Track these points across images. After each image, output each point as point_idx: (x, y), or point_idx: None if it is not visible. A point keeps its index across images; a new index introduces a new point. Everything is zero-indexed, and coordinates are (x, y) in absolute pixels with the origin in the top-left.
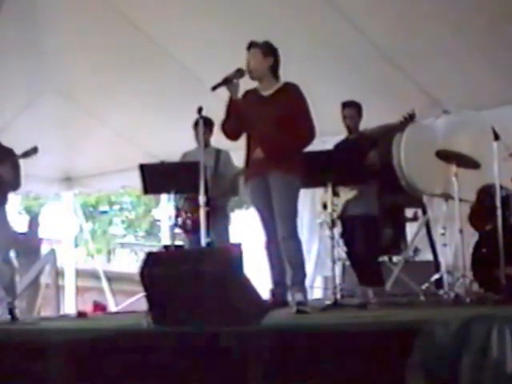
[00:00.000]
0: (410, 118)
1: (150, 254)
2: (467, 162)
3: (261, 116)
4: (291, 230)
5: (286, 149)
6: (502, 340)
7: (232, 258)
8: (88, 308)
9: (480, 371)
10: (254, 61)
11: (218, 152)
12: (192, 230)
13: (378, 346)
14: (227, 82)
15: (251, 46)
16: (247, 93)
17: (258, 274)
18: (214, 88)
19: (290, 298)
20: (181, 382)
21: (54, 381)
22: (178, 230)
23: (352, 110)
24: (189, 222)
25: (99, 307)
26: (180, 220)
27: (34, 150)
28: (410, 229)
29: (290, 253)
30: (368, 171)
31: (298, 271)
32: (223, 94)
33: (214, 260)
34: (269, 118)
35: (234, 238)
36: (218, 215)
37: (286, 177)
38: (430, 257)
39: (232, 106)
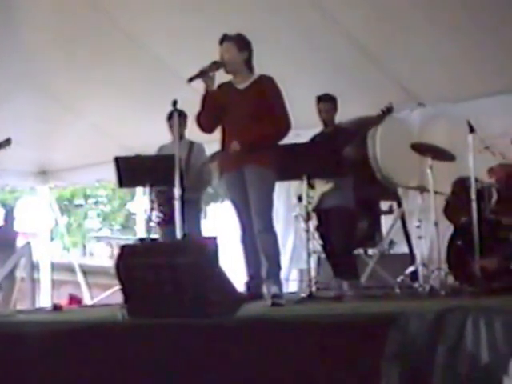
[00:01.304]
0: (388, 111)
1: (125, 247)
2: (442, 155)
3: (236, 109)
4: (267, 222)
5: (263, 141)
6: (476, 332)
7: (207, 251)
8: (64, 301)
9: (454, 363)
10: (228, 54)
11: (192, 144)
12: (164, 223)
13: (352, 338)
14: (203, 74)
15: (225, 39)
16: (221, 86)
17: (234, 267)
18: (191, 80)
19: (265, 290)
20: (156, 374)
21: (30, 372)
22: (152, 224)
23: (327, 103)
24: (161, 214)
25: (75, 300)
26: (153, 213)
27: (7, 142)
28: (386, 221)
29: (265, 246)
30: (344, 164)
31: (273, 264)
32: (198, 86)
33: (189, 252)
34: (245, 110)
35: (209, 230)
36: (191, 208)
37: (262, 169)
38: (405, 249)
39: (208, 99)
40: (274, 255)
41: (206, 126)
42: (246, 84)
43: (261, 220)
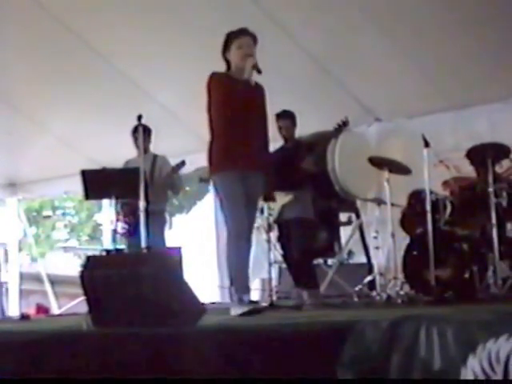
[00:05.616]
0: (344, 125)
1: (89, 258)
2: (398, 168)
3: (251, 106)
4: (251, 231)
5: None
6: (429, 339)
7: (170, 262)
8: (31, 311)
9: (408, 368)
10: (252, 49)
11: (155, 157)
12: (129, 234)
13: (309, 346)
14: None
15: (248, 33)
16: (229, 78)
17: (197, 276)
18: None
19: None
20: (119, 383)
21: None
22: (118, 234)
23: (286, 120)
24: (126, 226)
25: (42, 310)
26: (119, 224)
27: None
28: (344, 232)
29: (246, 254)
30: (303, 177)
31: (246, 273)
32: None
33: (152, 263)
34: (258, 109)
35: (174, 241)
36: (155, 219)
37: (263, 178)
38: (363, 259)
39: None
40: (247, 264)
41: (223, 112)
42: (253, 84)
43: (251, 228)
